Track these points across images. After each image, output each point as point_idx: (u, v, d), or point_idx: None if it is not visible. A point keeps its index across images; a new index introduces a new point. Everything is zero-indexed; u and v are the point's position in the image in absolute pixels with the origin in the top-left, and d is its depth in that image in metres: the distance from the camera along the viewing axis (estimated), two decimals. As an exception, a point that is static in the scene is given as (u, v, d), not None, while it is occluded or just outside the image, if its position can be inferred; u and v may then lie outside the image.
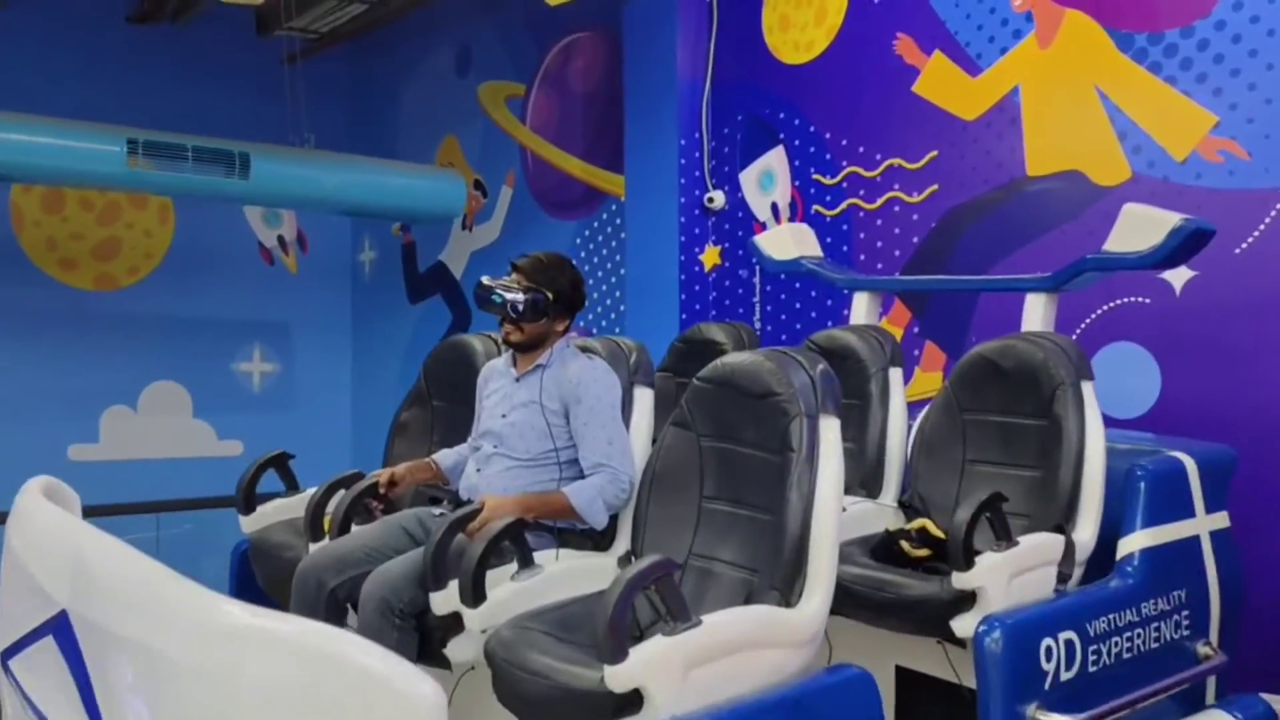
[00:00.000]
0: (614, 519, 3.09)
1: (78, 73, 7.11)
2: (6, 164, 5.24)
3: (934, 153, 4.73)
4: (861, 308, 4.20)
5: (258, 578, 3.48)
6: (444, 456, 3.39)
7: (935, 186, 4.72)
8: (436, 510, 3.15)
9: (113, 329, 7.65)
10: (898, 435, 3.62)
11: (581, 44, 6.53)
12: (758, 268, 5.48)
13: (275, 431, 7.97)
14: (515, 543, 2.76)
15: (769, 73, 5.43)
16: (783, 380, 2.68)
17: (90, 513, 5.93)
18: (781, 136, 5.38)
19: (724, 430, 2.82)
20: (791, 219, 5.31)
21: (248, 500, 3.55)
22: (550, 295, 3.12)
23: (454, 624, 2.68)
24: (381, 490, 3.18)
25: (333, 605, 2.88)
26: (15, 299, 7.30)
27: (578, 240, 6.51)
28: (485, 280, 3.13)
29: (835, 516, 2.57)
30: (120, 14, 7.56)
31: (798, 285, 5.29)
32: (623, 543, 3.03)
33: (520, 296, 3.08)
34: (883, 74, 4.93)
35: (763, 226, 5.45)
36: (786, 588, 2.50)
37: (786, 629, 2.44)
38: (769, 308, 5.43)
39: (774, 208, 5.42)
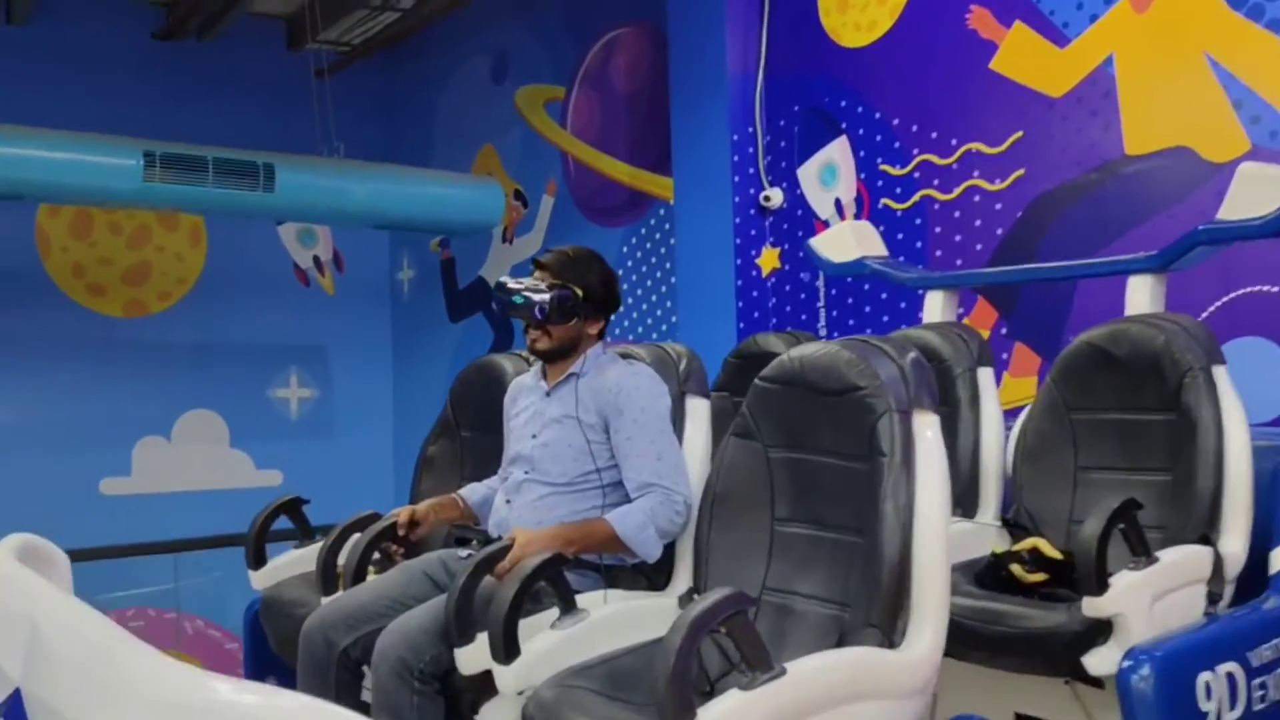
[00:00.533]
0: (670, 551, 2.63)
1: (100, 90, 6.84)
2: (16, 181, 4.92)
3: (1018, 134, 4.26)
4: (936, 307, 3.74)
5: (270, 640, 3.07)
6: (472, 491, 2.96)
7: (1020, 171, 4.25)
8: (463, 552, 2.71)
9: (144, 357, 7.36)
10: (994, 443, 3.16)
11: (623, 40, 6.15)
12: (821, 272, 5.03)
13: (315, 460, 7.68)
14: (554, 584, 2.31)
15: (828, 58, 5.00)
16: (866, 371, 2.25)
17: (111, 554, 5.57)
18: (844, 126, 4.95)
19: (796, 437, 2.38)
20: (858, 215, 4.86)
21: (258, 553, 3.15)
22: (579, 292, 2.70)
23: (485, 685, 2.23)
24: (401, 532, 2.76)
25: (345, 668, 2.47)
26: (43, 327, 7.03)
27: (624, 248, 6.11)
28: (506, 280, 2.72)
29: (942, 532, 2.12)
30: (146, 31, 7.33)
31: (866, 288, 4.83)
32: (683, 579, 2.58)
33: (546, 296, 2.66)
34: (955, 51, 4.48)
35: (825, 225, 5.00)
36: (887, 624, 2.06)
37: (891, 675, 2.00)
38: (835, 313, 4.98)
39: (838, 204, 4.97)
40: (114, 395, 7.23)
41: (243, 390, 7.64)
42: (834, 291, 5.00)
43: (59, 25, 6.94)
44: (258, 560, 3.16)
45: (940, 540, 2.10)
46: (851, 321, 4.89)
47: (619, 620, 2.38)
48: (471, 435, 3.47)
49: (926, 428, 2.21)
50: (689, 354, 2.83)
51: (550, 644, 2.23)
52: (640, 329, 5.98)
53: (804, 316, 5.12)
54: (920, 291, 3.87)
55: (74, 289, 7.16)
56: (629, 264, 6.06)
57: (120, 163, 4.93)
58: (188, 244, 7.49)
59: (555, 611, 2.32)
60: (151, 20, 7.34)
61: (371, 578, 2.72)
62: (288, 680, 2.68)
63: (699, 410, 2.77)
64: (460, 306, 7.46)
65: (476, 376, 3.49)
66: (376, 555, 2.75)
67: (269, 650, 3.07)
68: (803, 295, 5.12)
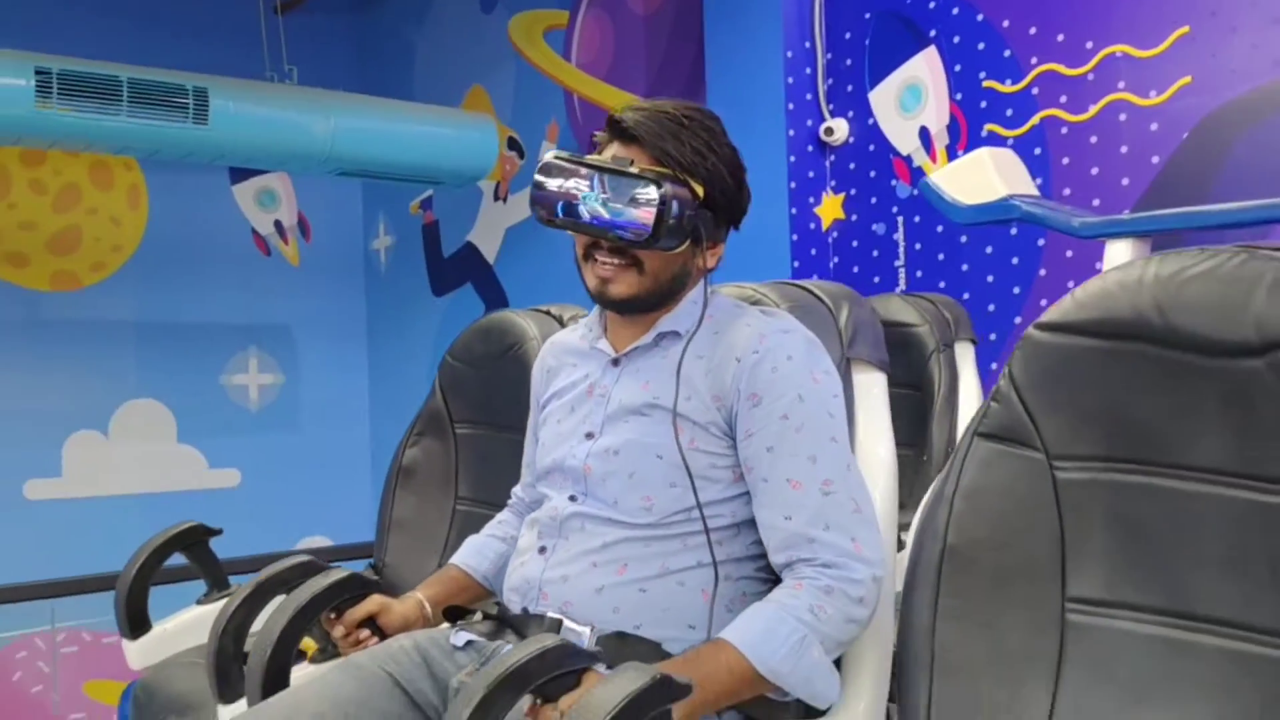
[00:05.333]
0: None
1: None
2: None
3: (1182, 30, 3.24)
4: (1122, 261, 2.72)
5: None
6: (480, 554, 1.87)
7: (1186, 79, 3.23)
8: (460, 637, 1.62)
9: (76, 338, 6.28)
10: None
11: (642, -50, 5.09)
12: (900, 221, 4.01)
13: (278, 457, 6.64)
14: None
15: (910, -49, 3.97)
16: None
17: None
18: (932, 34, 3.91)
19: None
20: (951, 147, 3.84)
21: (132, 616, 2.11)
22: (700, 192, 1.61)
23: None
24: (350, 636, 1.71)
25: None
26: (-47, 304, 5.96)
27: (645, 201, 5.05)
28: (557, 158, 1.67)
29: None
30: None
31: (964, 240, 3.81)
32: (864, 695, 1.52)
33: (652, 193, 1.53)
34: (1090, -72, 3.46)
35: (906, 162, 3.98)
36: None
37: None
38: (919, 274, 3.96)
39: (924, 134, 3.95)
40: (40, 383, 6.15)
41: (193, 377, 6.56)
42: (917, 246, 3.97)
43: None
44: (135, 624, 2.12)
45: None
46: (943, 284, 3.87)
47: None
48: (473, 433, 2.44)
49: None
50: (850, 297, 1.79)
51: None
52: (665, 298, 4.94)
53: (876, 279, 4.10)
54: (1089, 240, 2.84)
55: (-11, 259, 6.08)
56: (650, 220, 5.02)
57: (6, 83, 3.81)
58: (125, 205, 6.40)
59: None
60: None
61: (306, 671, 1.68)
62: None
63: (872, 389, 1.72)
64: (445, 278, 6.40)
65: (483, 343, 2.42)
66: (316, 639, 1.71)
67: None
68: (876, 252, 4.10)
